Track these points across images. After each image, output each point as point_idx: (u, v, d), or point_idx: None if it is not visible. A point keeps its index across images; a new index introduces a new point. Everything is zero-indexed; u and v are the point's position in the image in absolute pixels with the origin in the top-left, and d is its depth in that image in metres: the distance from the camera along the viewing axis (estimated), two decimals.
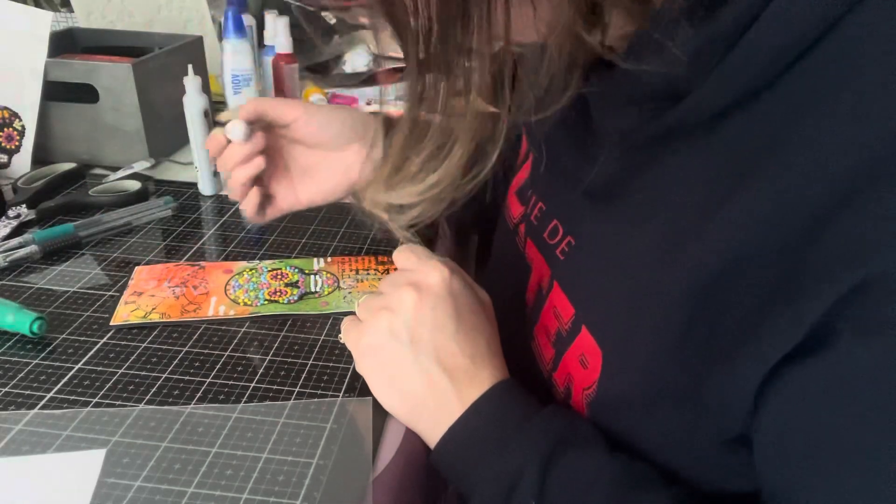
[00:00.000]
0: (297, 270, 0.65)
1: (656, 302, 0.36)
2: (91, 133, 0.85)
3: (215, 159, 0.62)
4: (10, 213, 0.71)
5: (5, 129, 0.83)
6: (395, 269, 0.50)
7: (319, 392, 0.50)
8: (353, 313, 0.51)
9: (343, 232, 0.73)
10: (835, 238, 0.28)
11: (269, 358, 0.53)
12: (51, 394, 0.48)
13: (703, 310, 0.33)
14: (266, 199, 0.64)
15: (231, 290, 0.61)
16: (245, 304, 0.60)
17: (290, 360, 0.53)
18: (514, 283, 0.52)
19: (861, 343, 0.28)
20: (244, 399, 0.49)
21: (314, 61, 1.21)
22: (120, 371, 0.51)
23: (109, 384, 0.49)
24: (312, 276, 0.64)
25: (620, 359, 0.39)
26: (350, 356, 0.50)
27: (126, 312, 0.57)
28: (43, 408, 0.47)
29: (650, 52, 0.32)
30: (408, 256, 0.49)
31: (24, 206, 0.72)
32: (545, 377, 0.46)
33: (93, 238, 0.69)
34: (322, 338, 0.56)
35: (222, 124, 0.60)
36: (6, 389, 0.48)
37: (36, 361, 0.51)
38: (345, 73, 1.21)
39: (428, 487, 0.48)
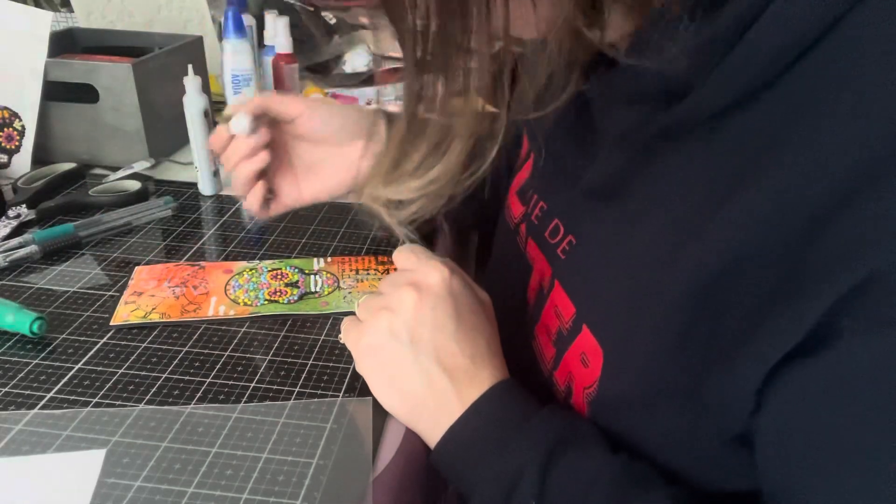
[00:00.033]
0: (297, 270, 0.65)
1: (656, 301, 0.36)
2: (91, 133, 0.85)
3: (217, 158, 0.62)
4: (10, 213, 0.71)
5: (5, 129, 0.83)
6: (395, 269, 0.50)
7: (319, 392, 0.50)
8: (353, 313, 0.51)
9: (343, 232, 0.73)
10: (835, 238, 0.28)
11: (269, 358, 0.53)
12: (51, 394, 0.48)
13: (704, 310, 0.33)
14: (270, 195, 0.64)
15: (231, 290, 0.61)
16: (245, 304, 0.60)
17: (290, 360, 0.53)
18: (515, 282, 0.52)
19: (861, 342, 0.28)
20: (244, 399, 0.49)
21: (314, 61, 1.21)
22: (120, 371, 0.51)
23: (109, 384, 0.49)
24: (312, 276, 0.64)
25: (621, 358, 0.39)
26: (350, 356, 0.50)
27: (126, 312, 0.57)
28: (43, 408, 0.47)
29: (651, 50, 0.32)
30: (408, 256, 0.49)
31: (24, 206, 0.72)
32: (546, 376, 0.46)
33: (93, 238, 0.69)
34: (322, 338, 0.56)
35: (223, 123, 0.61)
36: (6, 389, 0.48)
37: (36, 361, 0.51)
38: (345, 73, 1.21)
39: (428, 487, 0.48)
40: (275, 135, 0.62)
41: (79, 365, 0.51)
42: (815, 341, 0.29)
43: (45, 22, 0.82)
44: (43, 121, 0.84)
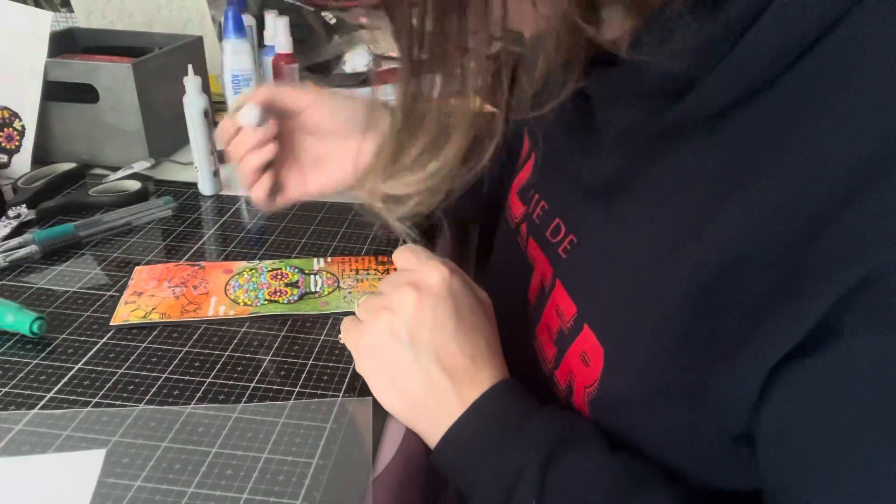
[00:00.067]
0: (297, 270, 0.65)
1: (656, 301, 0.36)
2: (91, 133, 0.85)
3: (222, 153, 0.62)
4: (10, 213, 0.71)
5: (5, 129, 0.83)
6: (395, 269, 0.50)
7: (319, 392, 0.50)
8: (353, 313, 0.51)
9: (343, 232, 0.73)
10: (835, 237, 0.28)
11: (269, 358, 0.53)
12: (51, 394, 0.48)
13: (704, 309, 0.33)
14: (275, 187, 0.63)
15: (231, 290, 0.61)
16: (245, 304, 0.60)
17: (290, 360, 0.53)
18: (516, 282, 0.52)
19: (861, 342, 0.28)
20: (244, 399, 0.49)
21: (314, 61, 1.21)
22: (120, 371, 0.51)
23: (109, 384, 0.49)
24: (312, 276, 0.64)
25: (621, 357, 0.39)
26: (350, 356, 0.50)
27: (126, 312, 0.57)
28: (43, 408, 0.47)
29: (652, 48, 0.32)
30: (408, 257, 0.49)
31: (24, 206, 0.72)
32: (547, 376, 0.46)
33: (93, 238, 0.69)
34: (322, 338, 0.56)
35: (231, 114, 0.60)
36: (6, 389, 0.48)
37: (36, 361, 0.51)
38: (345, 73, 1.21)
39: (428, 487, 0.48)
40: (281, 127, 0.62)
41: (79, 365, 0.51)
42: (815, 341, 0.29)
43: (45, 22, 0.82)
44: (43, 121, 0.84)
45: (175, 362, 0.52)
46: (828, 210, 0.28)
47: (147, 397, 0.48)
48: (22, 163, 0.83)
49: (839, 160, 0.28)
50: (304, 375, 0.51)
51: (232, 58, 0.89)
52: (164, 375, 0.51)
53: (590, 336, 0.41)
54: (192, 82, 0.76)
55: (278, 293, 0.61)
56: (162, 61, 0.88)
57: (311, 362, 0.53)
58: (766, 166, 0.31)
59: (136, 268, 0.64)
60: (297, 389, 0.50)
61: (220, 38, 1.00)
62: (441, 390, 0.44)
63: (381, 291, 0.48)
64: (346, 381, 0.51)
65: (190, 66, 0.77)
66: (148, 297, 0.60)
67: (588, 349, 0.41)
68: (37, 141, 0.83)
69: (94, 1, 1.12)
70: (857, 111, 0.28)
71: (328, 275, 0.65)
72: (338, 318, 0.58)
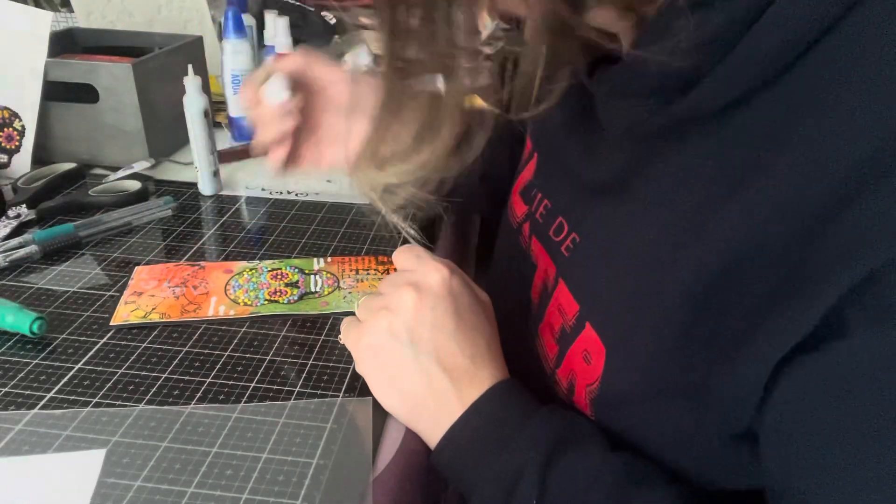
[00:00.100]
0: (297, 270, 0.65)
1: (658, 300, 0.36)
2: (91, 133, 0.85)
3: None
4: (10, 213, 0.71)
5: (5, 129, 0.83)
6: (395, 269, 0.50)
7: (319, 392, 0.50)
8: (353, 313, 0.51)
9: (343, 232, 0.73)
10: (835, 237, 0.28)
11: (269, 358, 0.53)
12: (51, 394, 0.48)
13: (705, 309, 0.33)
14: (291, 156, 0.64)
15: (231, 290, 0.61)
16: (245, 304, 0.60)
17: (290, 360, 0.53)
18: (518, 282, 0.52)
19: (862, 341, 0.28)
20: (244, 399, 0.49)
21: None
22: (120, 371, 0.51)
23: (109, 384, 0.49)
24: (312, 276, 0.64)
25: (623, 355, 0.39)
26: (350, 356, 0.50)
27: (126, 312, 0.57)
28: (43, 408, 0.47)
29: (653, 46, 0.33)
30: (407, 257, 0.49)
31: (24, 206, 0.72)
32: (549, 374, 0.46)
33: (93, 238, 0.69)
34: (322, 338, 0.56)
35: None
36: (6, 389, 0.48)
37: (36, 361, 0.51)
38: None
39: (428, 487, 0.48)
40: (305, 99, 0.62)
41: (79, 365, 0.51)
42: (816, 340, 0.29)
43: (45, 22, 0.82)
44: (43, 121, 0.84)
45: (175, 362, 0.52)
46: (828, 209, 0.28)
47: (147, 397, 0.48)
48: (22, 163, 0.83)
49: (839, 160, 0.28)
50: (304, 375, 0.51)
51: (232, 58, 0.89)
52: (164, 375, 0.51)
53: (592, 334, 0.41)
54: (192, 82, 0.76)
55: (278, 293, 0.61)
56: (162, 61, 0.88)
57: (311, 362, 0.53)
58: (767, 166, 0.31)
59: (136, 268, 0.64)
60: (296, 389, 0.50)
61: (220, 38, 1.00)
62: (441, 390, 0.44)
63: (381, 291, 0.48)
64: (346, 381, 0.51)
65: (190, 66, 0.77)
66: (148, 297, 0.60)
67: (590, 347, 0.41)
68: (37, 141, 0.83)
69: (94, 1, 1.12)
70: (857, 111, 0.28)
71: (328, 275, 0.65)
72: (338, 318, 0.58)
